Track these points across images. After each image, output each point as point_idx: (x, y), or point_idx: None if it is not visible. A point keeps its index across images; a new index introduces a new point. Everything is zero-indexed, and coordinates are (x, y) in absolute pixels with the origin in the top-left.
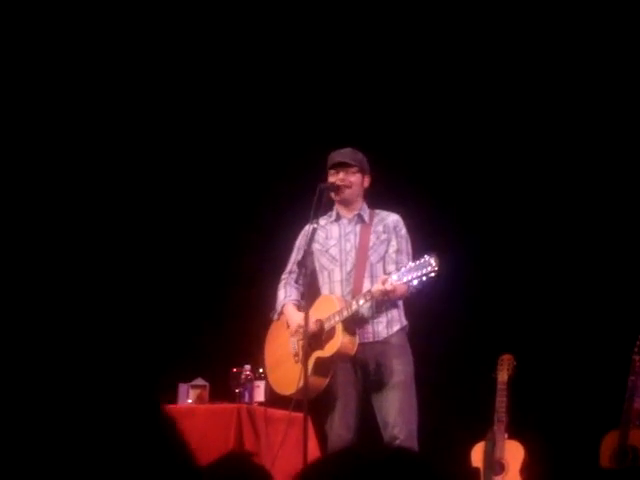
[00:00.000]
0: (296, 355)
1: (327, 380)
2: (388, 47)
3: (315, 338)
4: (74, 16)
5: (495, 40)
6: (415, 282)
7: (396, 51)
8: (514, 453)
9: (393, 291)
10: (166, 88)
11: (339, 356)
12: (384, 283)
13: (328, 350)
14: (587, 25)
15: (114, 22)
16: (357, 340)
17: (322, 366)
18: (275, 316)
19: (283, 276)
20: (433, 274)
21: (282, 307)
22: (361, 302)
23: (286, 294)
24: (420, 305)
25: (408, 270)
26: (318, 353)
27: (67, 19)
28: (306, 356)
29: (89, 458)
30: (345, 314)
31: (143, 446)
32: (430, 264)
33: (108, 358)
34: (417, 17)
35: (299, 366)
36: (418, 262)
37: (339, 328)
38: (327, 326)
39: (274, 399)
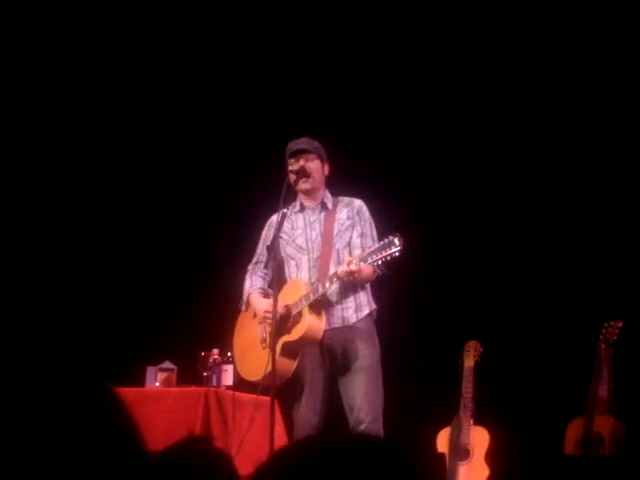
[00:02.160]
0: (263, 342)
1: (295, 364)
2: (339, 32)
3: (283, 323)
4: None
5: (448, 17)
6: (380, 262)
7: (348, 35)
8: (479, 439)
9: (358, 271)
10: (131, 80)
11: (306, 339)
12: (349, 264)
13: (295, 334)
14: (574, 24)
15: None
16: (324, 324)
17: (289, 350)
18: (243, 307)
19: (249, 267)
20: (398, 254)
21: (248, 297)
22: (327, 284)
23: (252, 284)
24: (387, 290)
25: (373, 251)
26: (285, 337)
27: (53, 17)
28: (274, 341)
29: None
30: (312, 297)
31: (88, 429)
32: (394, 244)
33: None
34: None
35: (267, 352)
36: (382, 242)
37: (306, 312)
38: (294, 311)
39: (242, 384)
